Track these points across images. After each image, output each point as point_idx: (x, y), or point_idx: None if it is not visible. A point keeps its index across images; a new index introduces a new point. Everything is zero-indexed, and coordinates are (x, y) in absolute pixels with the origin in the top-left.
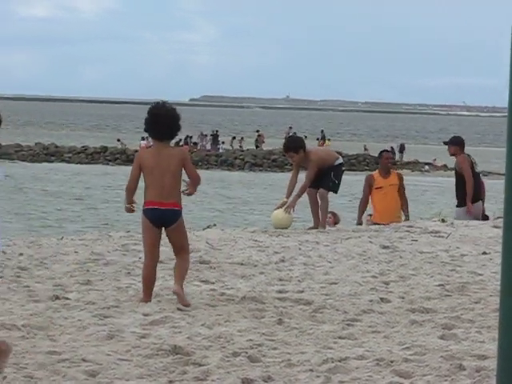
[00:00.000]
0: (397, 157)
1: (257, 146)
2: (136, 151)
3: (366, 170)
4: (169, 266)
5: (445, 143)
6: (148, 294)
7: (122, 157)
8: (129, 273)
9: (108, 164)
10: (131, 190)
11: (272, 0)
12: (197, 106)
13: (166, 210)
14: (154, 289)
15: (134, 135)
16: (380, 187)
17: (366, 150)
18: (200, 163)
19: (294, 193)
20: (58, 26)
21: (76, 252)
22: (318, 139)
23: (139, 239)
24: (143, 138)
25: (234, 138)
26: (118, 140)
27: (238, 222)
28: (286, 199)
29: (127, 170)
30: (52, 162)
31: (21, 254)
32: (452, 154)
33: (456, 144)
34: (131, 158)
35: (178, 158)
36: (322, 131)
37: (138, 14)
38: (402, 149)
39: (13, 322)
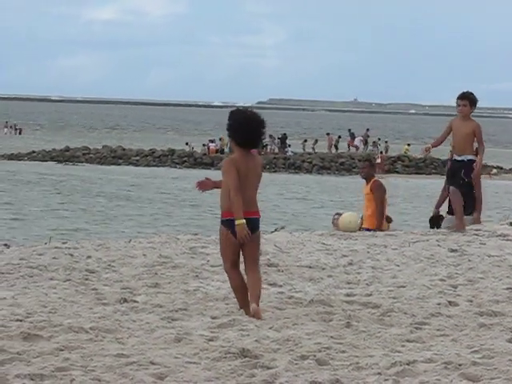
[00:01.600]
0: None
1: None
2: (204, 154)
3: (434, 173)
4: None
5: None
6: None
7: (190, 160)
8: (197, 276)
9: (176, 167)
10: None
11: (339, 3)
12: (264, 108)
13: (255, 219)
14: (223, 291)
15: (200, 138)
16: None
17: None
18: (268, 166)
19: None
20: (124, 30)
21: (144, 255)
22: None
23: (207, 242)
24: (212, 141)
25: (305, 140)
26: (187, 143)
27: (306, 224)
28: (429, 145)
29: (197, 173)
30: (119, 164)
31: (89, 257)
32: None
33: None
34: (199, 161)
35: (261, 166)
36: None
37: (205, 18)
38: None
39: (81, 325)
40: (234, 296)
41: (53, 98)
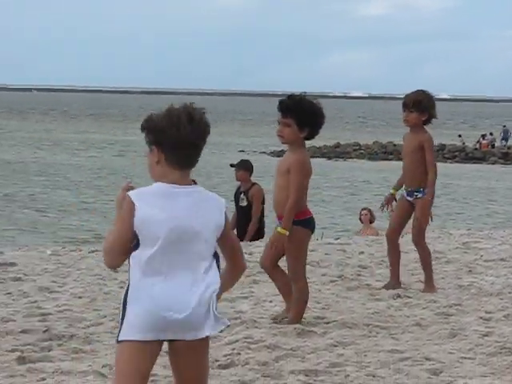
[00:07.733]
0: None
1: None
2: (475, 149)
3: None
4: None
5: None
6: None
7: (461, 154)
8: (470, 271)
9: (446, 162)
10: None
11: None
12: None
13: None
14: (497, 286)
15: (470, 132)
16: None
17: None
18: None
19: None
20: (394, 25)
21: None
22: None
23: (480, 237)
24: (483, 136)
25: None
26: (459, 135)
27: None
28: None
29: (469, 167)
30: (390, 160)
31: (361, 253)
32: (239, 180)
33: (245, 169)
34: (470, 155)
35: None
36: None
37: (476, 12)
38: None
39: (354, 321)
40: (303, 308)
41: (329, 95)
